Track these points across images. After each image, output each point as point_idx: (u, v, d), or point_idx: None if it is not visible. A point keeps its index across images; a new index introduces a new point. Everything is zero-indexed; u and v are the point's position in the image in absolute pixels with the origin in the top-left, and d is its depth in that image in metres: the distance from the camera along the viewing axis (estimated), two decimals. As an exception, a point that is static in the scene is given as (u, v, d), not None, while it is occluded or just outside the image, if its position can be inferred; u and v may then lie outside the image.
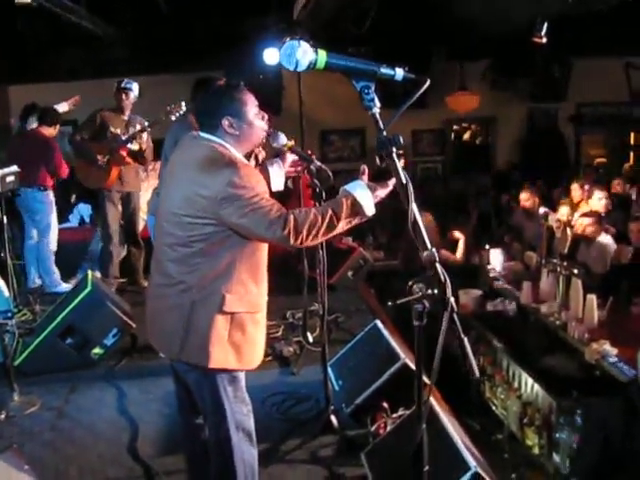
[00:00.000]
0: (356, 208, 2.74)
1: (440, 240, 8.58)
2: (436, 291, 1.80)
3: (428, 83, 1.91)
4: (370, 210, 2.76)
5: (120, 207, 7.13)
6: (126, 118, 6.95)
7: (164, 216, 2.90)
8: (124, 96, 6.90)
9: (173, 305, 2.83)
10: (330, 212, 2.72)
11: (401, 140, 1.88)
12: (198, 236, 2.75)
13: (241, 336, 2.88)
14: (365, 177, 2.89)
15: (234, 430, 2.92)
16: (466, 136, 13.06)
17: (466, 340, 1.84)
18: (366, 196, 2.75)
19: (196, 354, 2.82)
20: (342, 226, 2.75)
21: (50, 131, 7.24)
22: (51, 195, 7.27)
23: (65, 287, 7.11)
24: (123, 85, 6.90)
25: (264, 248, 2.95)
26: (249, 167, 2.84)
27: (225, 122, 2.82)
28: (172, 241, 2.82)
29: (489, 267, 7.70)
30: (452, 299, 1.79)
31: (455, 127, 12.84)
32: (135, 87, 6.95)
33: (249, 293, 2.88)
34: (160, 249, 2.93)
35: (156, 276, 2.98)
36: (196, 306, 2.78)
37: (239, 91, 2.89)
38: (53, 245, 7.32)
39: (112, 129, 6.84)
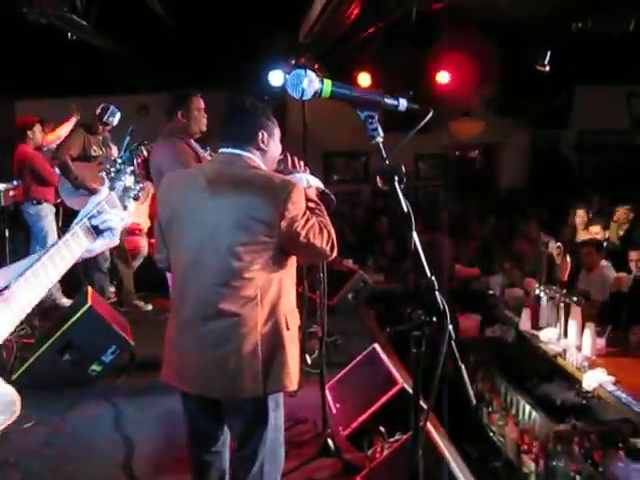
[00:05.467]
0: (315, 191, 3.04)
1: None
2: (435, 318, 1.82)
3: (431, 114, 1.94)
4: (315, 180, 3.12)
5: None
6: (101, 138, 7.02)
7: (203, 251, 2.76)
8: (103, 127, 6.99)
9: (241, 346, 2.71)
10: (320, 211, 2.90)
11: (403, 169, 1.90)
12: (256, 264, 2.69)
13: (297, 351, 2.90)
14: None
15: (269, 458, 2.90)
16: (469, 161, 13.11)
17: (463, 368, 1.86)
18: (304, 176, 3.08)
19: (277, 383, 2.78)
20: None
21: (27, 142, 7.21)
22: (46, 209, 7.25)
23: (65, 301, 7.12)
24: (105, 119, 6.95)
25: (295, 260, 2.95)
26: (299, 185, 2.81)
27: (260, 135, 2.82)
28: (225, 278, 2.70)
29: (489, 292, 7.70)
30: (450, 326, 1.81)
31: (457, 152, 12.89)
32: (117, 119, 7.02)
33: (294, 307, 2.91)
34: (204, 291, 2.76)
35: (202, 324, 2.76)
36: (267, 338, 2.74)
37: (270, 112, 2.92)
38: None
39: (94, 149, 6.90)
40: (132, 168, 2.02)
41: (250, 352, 2.72)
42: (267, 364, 2.74)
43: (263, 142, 2.84)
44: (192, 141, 4.85)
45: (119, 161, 2.01)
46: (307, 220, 2.72)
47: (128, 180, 2.02)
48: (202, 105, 4.91)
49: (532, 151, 12.54)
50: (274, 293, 2.76)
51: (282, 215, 2.65)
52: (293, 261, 2.89)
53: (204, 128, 4.88)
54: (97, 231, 1.87)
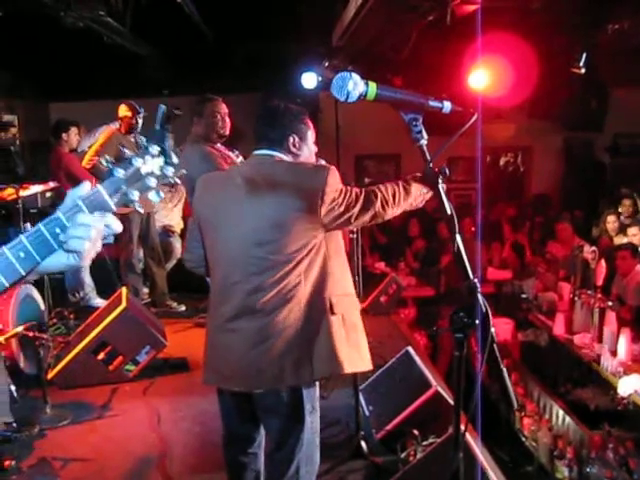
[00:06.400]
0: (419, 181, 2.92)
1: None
2: (477, 321, 1.81)
3: (476, 117, 1.93)
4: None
5: (138, 227, 7.15)
6: (133, 140, 7.04)
7: (246, 250, 2.78)
8: (138, 121, 7.02)
9: (285, 337, 2.74)
10: (400, 182, 2.91)
11: (447, 172, 1.90)
12: (299, 253, 2.72)
13: (357, 336, 2.89)
14: None
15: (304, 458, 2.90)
16: (501, 164, 13.02)
17: (505, 371, 1.85)
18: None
19: (326, 367, 2.80)
20: (414, 194, 2.90)
21: (62, 144, 7.29)
22: None
23: (99, 302, 7.19)
24: (140, 111, 7.00)
25: (342, 243, 2.96)
26: (332, 168, 2.82)
27: (291, 139, 2.84)
28: (271, 273, 2.73)
29: (522, 297, 7.66)
30: (493, 330, 1.80)
31: (491, 155, 12.81)
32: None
33: (346, 292, 2.92)
34: (248, 287, 2.78)
35: (247, 321, 2.79)
36: (310, 322, 2.76)
37: (305, 115, 2.94)
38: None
39: (128, 152, 6.90)
40: (159, 148, 1.50)
41: (295, 338, 2.74)
42: (312, 348, 2.76)
43: (294, 146, 2.86)
44: (218, 144, 4.92)
45: (142, 139, 1.48)
46: (345, 197, 2.75)
47: (148, 164, 1.47)
48: (220, 109, 4.96)
49: (566, 154, 12.42)
50: (317, 277, 2.77)
51: (322, 200, 2.69)
52: (340, 246, 2.92)
53: (221, 132, 4.94)
54: (59, 242, 1.39)
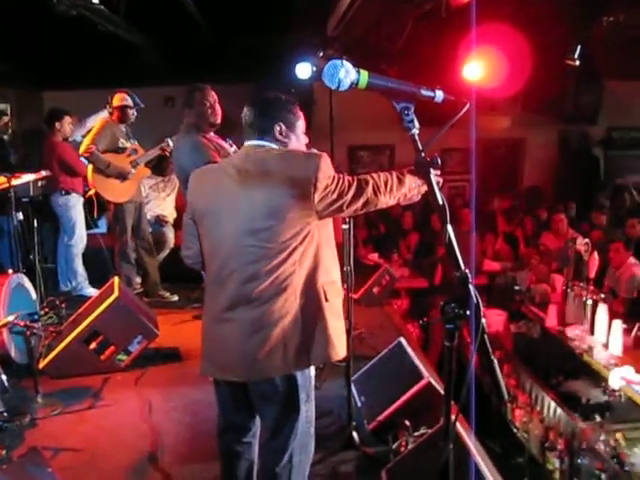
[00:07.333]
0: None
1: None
2: (468, 312, 1.80)
3: (468, 106, 1.92)
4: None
5: (132, 217, 7.14)
6: (124, 129, 7.04)
7: (241, 240, 2.77)
8: (133, 112, 7.01)
9: (281, 326, 2.74)
10: (394, 172, 2.91)
11: (439, 162, 1.89)
12: (294, 240, 2.72)
13: (339, 324, 2.91)
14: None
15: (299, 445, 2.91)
16: (495, 156, 13.00)
17: (495, 362, 1.85)
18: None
19: (322, 353, 2.81)
20: (408, 185, 2.90)
21: (55, 134, 7.25)
22: (75, 199, 7.30)
23: (91, 291, 7.18)
24: (137, 102, 6.99)
25: (333, 233, 2.97)
26: (324, 154, 2.80)
27: (277, 128, 2.84)
28: (265, 262, 2.73)
29: (515, 288, 7.67)
30: (484, 320, 1.80)
31: (484, 147, 12.78)
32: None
33: (334, 279, 2.92)
34: (244, 276, 2.78)
35: (243, 310, 2.79)
36: (305, 310, 2.76)
37: (294, 104, 2.93)
38: (78, 248, 7.37)
39: (122, 141, 6.93)
40: None
41: (292, 326, 2.74)
42: (309, 335, 2.77)
43: (281, 134, 2.86)
44: (211, 133, 4.92)
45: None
46: (337, 184, 2.74)
47: None
48: (209, 98, 4.97)
49: (560, 147, 12.43)
50: (310, 265, 2.78)
51: (315, 187, 2.68)
52: (331, 235, 2.92)
53: (213, 120, 4.95)
54: None
